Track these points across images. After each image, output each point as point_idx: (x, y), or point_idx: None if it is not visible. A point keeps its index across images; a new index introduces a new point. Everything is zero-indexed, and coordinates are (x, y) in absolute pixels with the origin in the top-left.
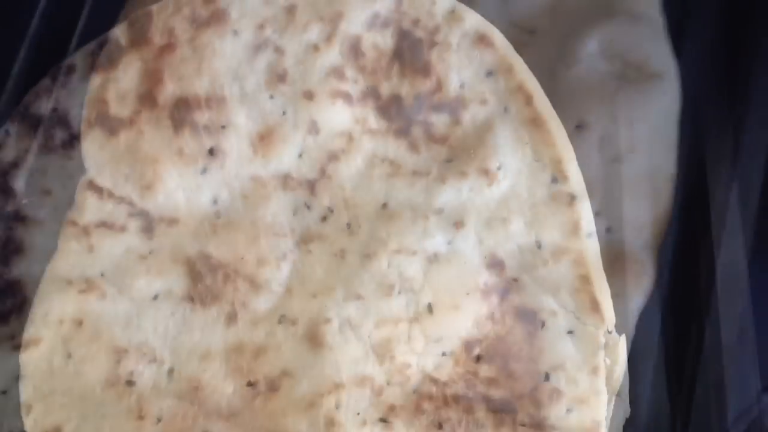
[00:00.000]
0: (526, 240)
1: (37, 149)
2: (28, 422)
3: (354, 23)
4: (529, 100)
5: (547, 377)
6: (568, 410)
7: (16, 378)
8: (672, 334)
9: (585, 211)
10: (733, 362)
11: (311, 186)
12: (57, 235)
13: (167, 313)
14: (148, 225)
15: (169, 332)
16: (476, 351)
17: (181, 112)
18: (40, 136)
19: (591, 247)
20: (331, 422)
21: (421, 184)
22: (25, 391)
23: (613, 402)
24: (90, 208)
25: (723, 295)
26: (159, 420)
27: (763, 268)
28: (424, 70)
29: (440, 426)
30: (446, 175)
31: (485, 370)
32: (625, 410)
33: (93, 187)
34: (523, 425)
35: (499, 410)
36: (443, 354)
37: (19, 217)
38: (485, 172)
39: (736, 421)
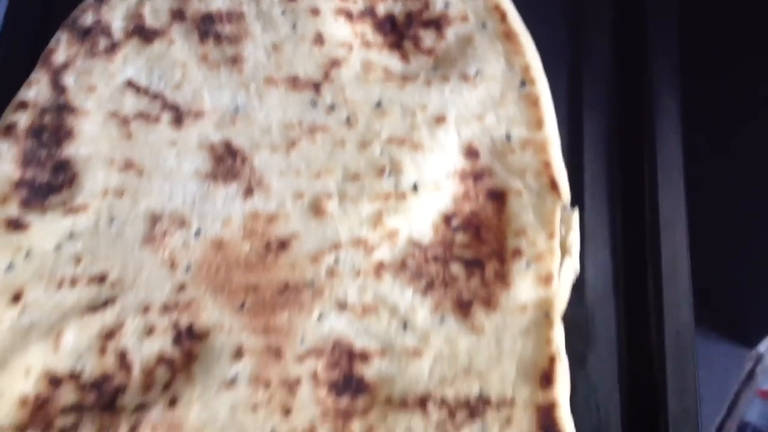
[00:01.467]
0: (497, 133)
1: (84, 54)
2: (77, 270)
3: None
4: (503, 17)
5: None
6: (527, 265)
7: (68, 235)
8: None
9: (548, 109)
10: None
11: (316, 87)
12: (102, 124)
13: (194, 188)
14: (178, 116)
15: (196, 202)
16: (454, 223)
17: (206, 24)
18: (87, 43)
19: (552, 137)
20: (331, 273)
21: (410, 87)
22: (76, 246)
23: (565, 261)
24: (129, 102)
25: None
26: (188, 268)
27: None
28: None
29: (421, 276)
30: (432, 79)
31: (460, 237)
32: (576, 269)
33: (131, 85)
34: (490, 276)
35: (470, 266)
36: (426, 224)
37: (69, 108)
38: (465, 77)
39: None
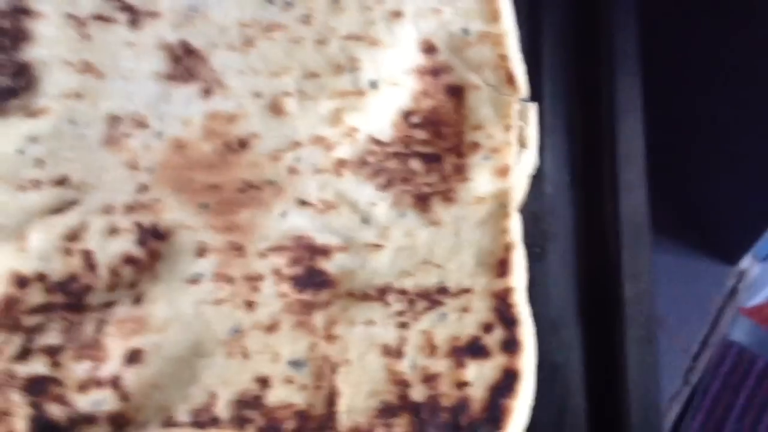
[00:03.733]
0: (455, 27)
1: None
2: (40, 172)
3: None
4: None
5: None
6: (485, 158)
7: (30, 139)
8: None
9: (504, 3)
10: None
11: None
12: (59, 26)
13: (153, 89)
14: (134, 17)
15: (156, 104)
16: (413, 119)
17: None
18: None
19: (509, 31)
20: (292, 171)
21: None
22: (38, 149)
23: (523, 154)
24: (85, 4)
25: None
26: (150, 170)
27: None
28: None
29: (380, 172)
30: None
31: (419, 133)
32: (534, 161)
33: None
34: (448, 170)
35: (429, 160)
36: (385, 121)
37: (26, 11)
38: None
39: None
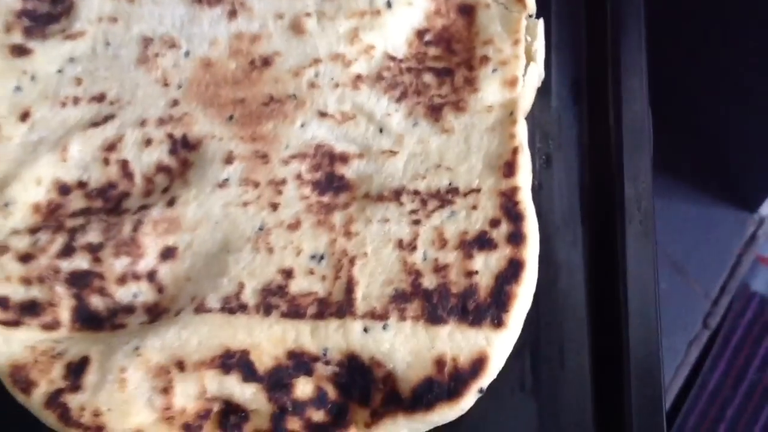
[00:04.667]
0: None
1: None
2: (79, 90)
3: None
4: None
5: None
6: (494, 70)
7: (69, 59)
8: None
9: None
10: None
11: None
12: None
13: (182, 12)
14: None
15: (184, 25)
16: (426, 37)
17: None
18: None
19: None
20: (312, 85)
21: None
22: (76, 69)
23: (530, 66)
24: None
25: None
26: (180, 86)
27: None
28: None
29: (395, 86)
30: None
31: (432, 50)
32: (540, 74)
33: None
34: (459, 82)
35: (441, 74)
36: (400, 39)
37: None
38: None
39: None
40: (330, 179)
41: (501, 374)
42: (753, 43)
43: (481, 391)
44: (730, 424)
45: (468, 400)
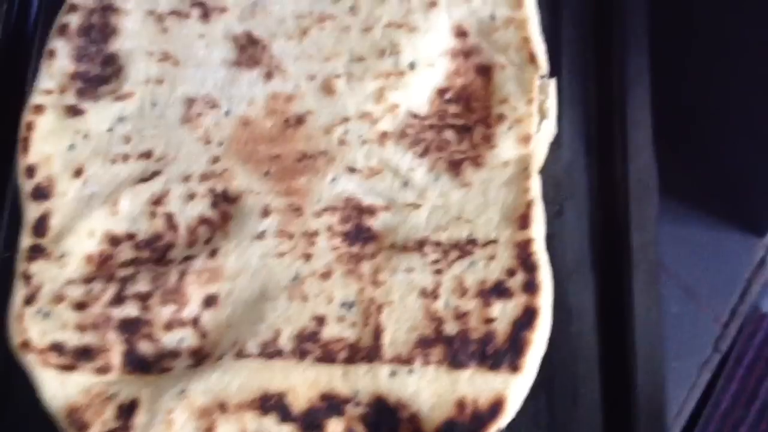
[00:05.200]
0: (483, 14)
1: None
2: (128, 147)
3: None
4: None
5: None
6: (509, 127)
7: (118, 119)
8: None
9: None
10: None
11: None
12: (141, 21)
13: (222, 74)
14: (205, 12)
15: (225, 87)
16: (446, 96)
17: None
18: None
19: (531, 16)
20: (341, 142)
21: None
22: (125, 128)
23: (543, 123)
24: (163, 1)
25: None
26: (221, 143)
27: None
28: None
29: (418, 142)
30: None
31: (452, 108)
32: (553, 130)
33: None
34: (477, 139)
35: (461, 131)
36: (422, 98)
37: (112, 9)
38: None
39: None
40: (358, 231)
41: (519, 413)
42: (762, 70)
43: (499, 430)
44: None
45: None
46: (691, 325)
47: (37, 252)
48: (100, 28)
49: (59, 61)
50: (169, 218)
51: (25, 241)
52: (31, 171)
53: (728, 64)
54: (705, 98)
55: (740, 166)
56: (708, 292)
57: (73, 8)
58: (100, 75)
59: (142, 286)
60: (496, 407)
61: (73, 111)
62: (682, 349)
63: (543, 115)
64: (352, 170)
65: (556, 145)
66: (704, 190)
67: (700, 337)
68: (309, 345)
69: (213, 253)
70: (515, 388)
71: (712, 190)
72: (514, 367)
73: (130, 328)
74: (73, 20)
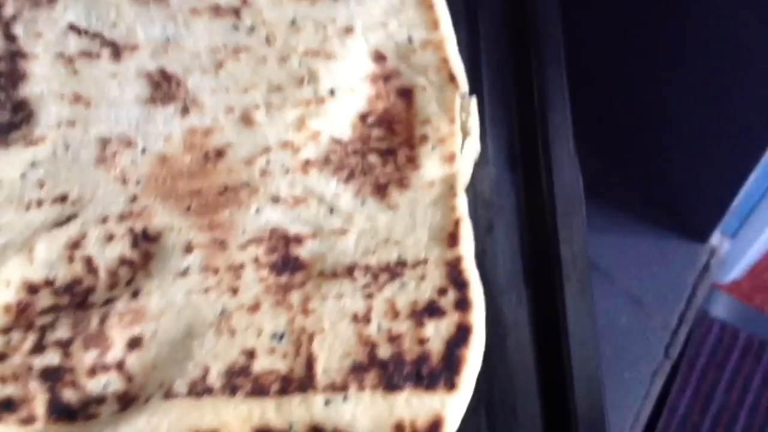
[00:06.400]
0: (400, 37)
1: (29, 5)
2: (42, 193)
3: None
4: None
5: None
6: (433, 148)
7: (31, 164)
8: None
9: (442, 11)
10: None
11: (236, 12)
12: (50, 64)
13: (137, 112)
14: (116, 51)
15: (140, 125)
16: (369, 120)
17: None
18: None
19: (448, 36)
20: (264, 173)
21: (320, 3)
22: (38, 173)
23: (466, 141)
24: (72, 43)
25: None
26: (138, 182)
27: None
28: None
29: (343, 168)
30: None
31: (375, 132)
32: (477, 148)
33: (73, 28)
34: (402, 161)
35: (385, 154)
36: (344, 124)
37: (21, 54)
38: None
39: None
40: (286, 260)
41: (459, 431)
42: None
43: None
44: None
45: None
46: (640, 335)
47: None
48: (8, 75)
49: None
50: (88, 261)
51: None
52: None
53: (667, 74)
54: (645, 116)
55: (679, 177)
56: (655, 300)
57: None
58: (10, 121)
59: (62, 332)
60: (434, 428)
61: None
62: (634, 359)
63: (466, 133)
64: (276, 200)
65: (482, 162)
66: (645, 202)
67: (651, 345)
68: (239, 380)
69: (135, 294)
70: (453, 406)
71: (655, 201)
72: (451, 386)
73: (53, 376)
74: None
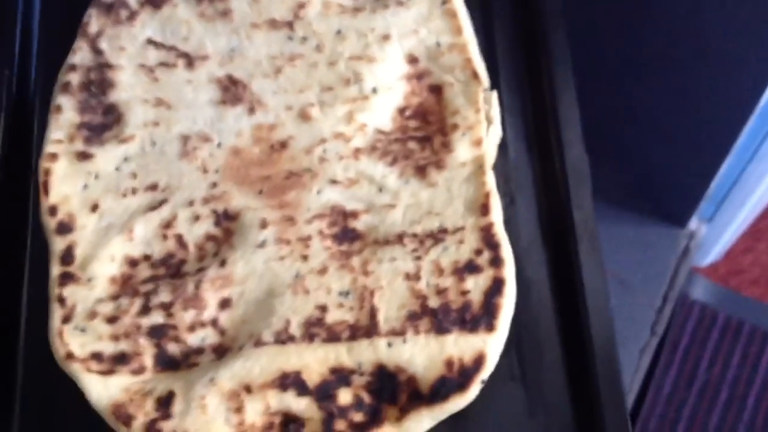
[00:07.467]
0: (429, 42)
1: (111, 23)
2: (135, 182)
3: None
4: None
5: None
6: (463, 134)
7: (124, 159)
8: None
9: (464, 19)
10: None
11: (290, 25)
12: (134, 74)
13: (211, 113)
14: (190, 61)
15: (214, 123)
16: (406, 113)
17: None
18: (112, 15)
19: (470, 40)
20: (322, 159)
21: (361, 15)
22: (131, 166)
23: (490, 128)
24: (151, 55)
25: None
26: (217, 171)
27: None
28: None
29: (387, 154)
30: (376, 8)
31: (413, 123)
32: (499, 133)
33: (151, 42)
34: (437, 146)
35: (422, 141)
36: (386, 117)
37: (107, 65)
38: (399, 3)
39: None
40: (345, 232)
41: (496, 368)
42: (666, 77)
43: (483, 382)
44: (688, 424)
45: (474, 390)
46: (628, 314)
47: (66, 278)
48: (98, 83)
49: (65, 114)
50: (179, 238)
51: (55, 270)
52: (53, 210)
53: (642, 73)
54: (625, 111)
55: (658, 166)
56: (641, 282)
57: (73, 68)
58: (103, 123)
59: (164, 297)
60: (478, 362)
61: (83, 156)
62: (622, 338)
63: (489, 121)
64: (333, 182)
65: (502, 147)
66: (627, 191)
67: (638, 324)
68: (316, 329)
69: (222, 263)
70: (493, 344)
71: (636, 190)
72: (490, 328)
73: (158, 333)
74: (74, 78)
